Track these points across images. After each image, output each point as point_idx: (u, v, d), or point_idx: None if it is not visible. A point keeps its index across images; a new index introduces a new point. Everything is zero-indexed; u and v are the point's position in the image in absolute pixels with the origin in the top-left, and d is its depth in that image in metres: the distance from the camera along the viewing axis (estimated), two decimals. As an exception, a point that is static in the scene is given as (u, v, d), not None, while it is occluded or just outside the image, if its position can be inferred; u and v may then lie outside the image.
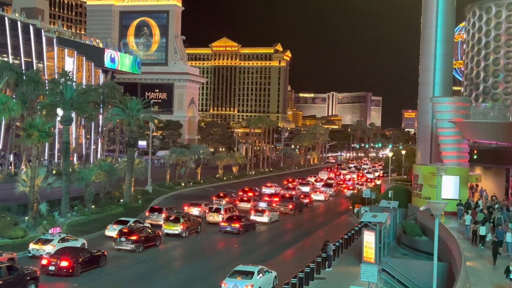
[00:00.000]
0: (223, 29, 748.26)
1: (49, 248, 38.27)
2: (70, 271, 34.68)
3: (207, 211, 58.73)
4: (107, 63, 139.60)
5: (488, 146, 64.99)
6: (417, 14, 70.57)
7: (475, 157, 64.39)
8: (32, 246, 39.53)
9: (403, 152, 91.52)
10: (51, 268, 34.60)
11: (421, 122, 69.32)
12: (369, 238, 38.24)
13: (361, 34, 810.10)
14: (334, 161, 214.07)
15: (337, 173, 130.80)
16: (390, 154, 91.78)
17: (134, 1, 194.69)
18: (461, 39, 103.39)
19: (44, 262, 35.08)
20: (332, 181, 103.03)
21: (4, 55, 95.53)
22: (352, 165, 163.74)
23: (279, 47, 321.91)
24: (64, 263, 34.61)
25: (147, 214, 55.19)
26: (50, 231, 41.63)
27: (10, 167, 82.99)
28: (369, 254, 38.25)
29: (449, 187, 55.82)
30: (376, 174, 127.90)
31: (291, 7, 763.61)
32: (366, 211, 45.73)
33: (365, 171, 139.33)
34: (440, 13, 67.05)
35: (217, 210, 57.39)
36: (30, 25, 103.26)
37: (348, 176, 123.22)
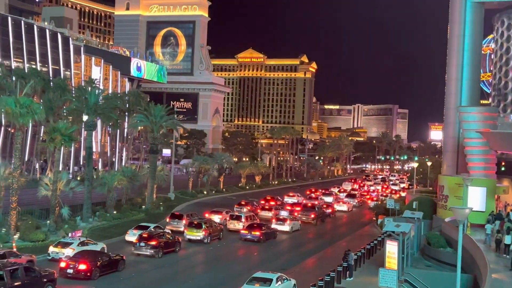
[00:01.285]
0: (249, 40, 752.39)
1: (69, 252, 38.28)
2: (88, 274, 34.56)
3: (227, 218, 58.35)
4: (133, 71, 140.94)
5: (516, 157, 63.54)
6: (445, 25, 69.70)
7: (502, 169, 63.00)
8: (51, 249, 39.60)
9: (429, 163, 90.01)
10: (69, 271, 34.53)
11: (447, 132, 68.08)
12: (391, 248, 37.42)
13: (388, 46, 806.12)
14: (361, 172, 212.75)
15: (361, 185, 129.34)
16: (415, 165, 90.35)
17: (161, 11, 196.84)
18: (489, 51, 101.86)
19: (62, 264, 35.04)
20: (356, 192, 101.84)
21: (32, 62, 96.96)
22: (380, 176, 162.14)
23: (304, 58, 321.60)
24: (82, 266, 34.53)
25: (167, 220, 55.08)
26: (70, 235, 41.71)
27: (36, 173, 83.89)
28: (391, 264, 37.41)
29: (476, 199, 54.50)
30: (402, 185, 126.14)
31: (317, 19, 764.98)
32: (390, 221, 44.89)
33: (391, 182, 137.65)
34: (468, 22, 66.02)
35: (238, 218, 56.97)
36: (58, 33, 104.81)
37: (372, 188, 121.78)
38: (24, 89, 47.38)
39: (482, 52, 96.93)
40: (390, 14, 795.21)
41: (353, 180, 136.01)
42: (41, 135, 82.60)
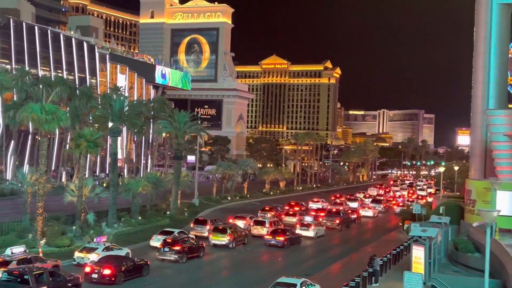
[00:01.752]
0: (273, 46, 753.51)
1: (94, 257, 38.55)
2: (113, 279, 34.72)
3: (251, 224, 58.20)
4: (158, 79, 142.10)
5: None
6: (471, 28, 68.60)
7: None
8: (77, 254, 39.94)
9: (456, 168, 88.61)
10: (94, 276, 34.74)
11: (475, 136, 66.87)
12: (418, 253, 36.87)
13: (412, 50, 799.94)
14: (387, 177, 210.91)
15: (387, 190, 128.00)
16: (442, 169, 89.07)
17: (185, 19, 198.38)
18: (511, 55, 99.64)
19: (87, 269, 35.29)
20: (382, 197, 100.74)
21: (59, 71, 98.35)
22: (407, 182, 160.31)
23: (328, 64, 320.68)
24: (106, 271, 34.70)
25: (192, 225, 55.20)
26: (95, 240, 42.01)
27: (63, 180, 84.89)
28: (418, 269, 36.79)
29: (504, 203, 53.50)
30: (429, 191, 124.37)
31: (341, 24, 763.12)
32: (416, 226, 44.29)
33: (419, 187, 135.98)
34: (494, 24, 64.93)
35: (262, 223, 56.79)
36: (84, 42, 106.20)
37: (398, 193, 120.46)
38: (50, 97, 47.91)
39: (510, 55, 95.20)
40: (415, 18, 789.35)
41: (378, 186, 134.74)
42: (68, 142, 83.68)
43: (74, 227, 49.34)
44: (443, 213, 57.21)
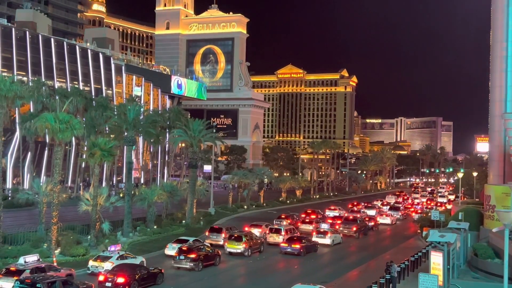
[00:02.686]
0: (288, 56, 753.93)
1: (108, 265, 38.40)
2: (126, 287, 34.46)
3: (267, 231, 57.71)
4: (173, 89, 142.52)
5: None
6: (489, 33, 67.71)
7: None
8: (91, 263, 39.83)
9: (475, 174, 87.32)
10: (108, 284, 34.55)
11: (493, 141, 65.84)
12: (436, 259, 36.15)
13: (430, 57, 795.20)
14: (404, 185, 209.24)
15: (405, 197, 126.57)
16: (460, 175, 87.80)
17: (200, 29, 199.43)
18: None
19: (101, 278, 35.12)
20: (400, 205, 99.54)
21: (75, 82, 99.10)
22: (429, 189, 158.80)
23: (344, 72, 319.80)
24: (120, 280, 34.49)
25: (207, 234, 54.93)
26: (109, 248, 41.87)
27: (80, 191, 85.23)
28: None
29: (525, 208, 52.60)
30: (449, 197, 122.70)
31: (357, 32, 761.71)
32: (434, 232, 43.45)
33: (440, 194, 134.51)
34: (510, 27, 64.08)
35: (278, 231, 56.27)
36: (100, 53, 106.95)
37: (417, 200, 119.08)
38: (64, 106, 48.11)
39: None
40: (432, 25, 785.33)
41: (398, 193, 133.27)
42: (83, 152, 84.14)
43: (89, 237, 49.31)
44: (462, 219, 56.22)
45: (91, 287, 32.27)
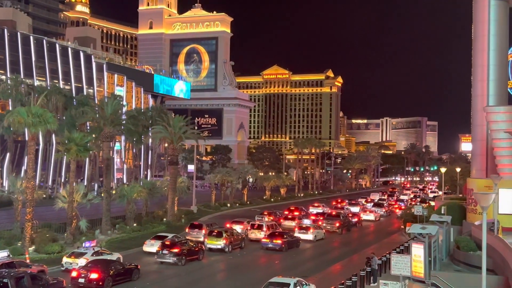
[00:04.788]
0: (274, 57, 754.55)
1: (82, 262, 37.35)
2: (100, 283, 33.52)
3: (249, 228, 56.91)
4: (156, 88, 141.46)
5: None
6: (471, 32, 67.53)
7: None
8: (65, 259, 38.84)
9: (458, 169, 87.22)
10: (81, 280, 33.59)
11: (475, 135, 65.52)
12: (417, 251, 35.58)
13: (415, 57, 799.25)
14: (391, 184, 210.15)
15: (390, 194, 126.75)
16: (443, 170, 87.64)
17: (184, 29, 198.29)
18: (511, 58, 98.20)
19: (74, 274, 34.17)
20: (384, 202, 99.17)
21: (55, 81, 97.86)
22: (420, 186, 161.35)
23: (330, 73, 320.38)
24: (93, 275, 33.52)
25: (187, 230, 54.11)
26: (84, 245, 40.84)
27: (60, 191, 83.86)
28: (417, 268, 35.47)
29: (507, 202, 52.36)
30: (432, 195, 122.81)
31: (342, 33, 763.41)
32: (416, 225, 42.97)
33: (431, 190, 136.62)
34: (492, 22, 63.81)
35: (259, 227, 55.51)
36: (81, 51, 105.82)
37: (405, 197, 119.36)
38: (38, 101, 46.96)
39: (510, 59, 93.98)
40: (416, 25, 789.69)
41: (391, 190, 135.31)
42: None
43: (65, 234, 48.20)
44: (444, 213, 55.92)
45: (62, 282, 31.30)
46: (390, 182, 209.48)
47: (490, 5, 63.95)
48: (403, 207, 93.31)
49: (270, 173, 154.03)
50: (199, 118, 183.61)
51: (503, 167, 54.31)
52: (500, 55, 64.58)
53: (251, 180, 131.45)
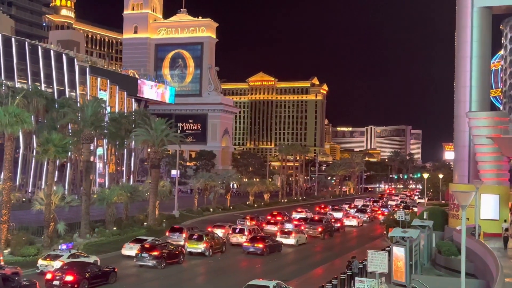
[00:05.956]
0: (260, 64, 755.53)
1: (58, 264, 36.59)
2: (75, 286, 32.82)
3: (230, 232, 56.32)
4: (140, 92, 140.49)
5: (531, 166, 61.19)
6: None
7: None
8: (40, 262, 38.04)
9: (441, 176, 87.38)
10: (56, 282, 32.86)
11: (458, 141, 65.71)
12: (398, 255, 35.46)
13: (400, 66, 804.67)
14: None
15: (375, 200, 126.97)
16: (426, 176, 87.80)
17: (169, 34, 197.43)
18: (495, 67, 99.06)
19: (48, 276, 33.43)
20: (367, 208, 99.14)
21: (37, 83, 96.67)
22: (406, 193, 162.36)
23: (315, 80, 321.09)
24: (69, 278, 32.79)
25: (167, 234, 53.42)
26: (60, 247, 40.00)
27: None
28: (398, 272, 35.34)
29: (489, 207, 52.47)
30: (419, 202, 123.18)
31: (327, 41, 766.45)
32: (397, 229, 42.75)
33: (418, 196, 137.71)
34: (475, 28, 64.08)
35: (241, 231, 54.95)
36: (63, 54, 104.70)
37: (390, 203, 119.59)
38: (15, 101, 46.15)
39: (493, 68, 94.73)
40: (402, 35, 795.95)
41: (380, 196, 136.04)
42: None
43: (42, 237, 47.29)
44: (426, 218, 55.82)
45: (36, 284, 30.50)
46: (370, 189, 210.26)
47: (473, 12, 64.36)
48: (386, 213, 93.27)
49: (254, 179, 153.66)
50: (184, 124, 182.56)
51: (485, 173, 54.41)
52: (483, 62, 64.87)
53: (235, 186, 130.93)
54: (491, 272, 33.01)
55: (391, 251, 39.71)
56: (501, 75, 78.63)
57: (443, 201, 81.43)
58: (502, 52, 75.05)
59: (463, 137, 63.40)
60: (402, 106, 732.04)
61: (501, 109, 79.96)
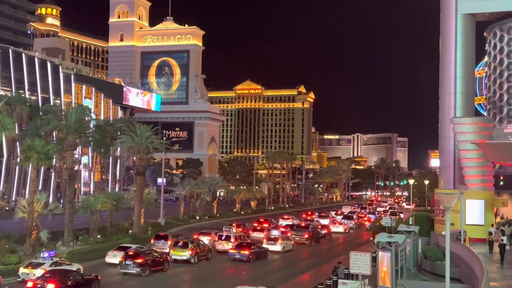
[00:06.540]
0: (246, 72, 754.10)
1: (40, 272, 35.89)
2: (57, 294, 32.16)
3: (216, 239, 55.88)
4: (126, 100, 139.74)
5: (514, 171, 61.65)
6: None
7: (501, 183, 60.95)
8: (22, 270, 37.32)
9: (426, 182, 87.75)
10: (37, 291, 32.16)
11: (443, 147, 66.00)
12: (384, 260, 35.33)
13: (385, 74, 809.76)
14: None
15: (363, 207, 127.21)
16: (412, 181, 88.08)
17: (155, 41, 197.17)
18: (479, 75, 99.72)
19: (29, 285, 32.82)
20: (353, 214, 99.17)
21: (21, 91, 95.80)
22: (389, 201, 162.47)
23: (302, 88, 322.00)
24: (50, 286, 32.22)
25: (152, 241, 52.82)
26: (42, 255, 39.34)
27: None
28: (384, 277, 35.20)
29: (474, 212, 52.63)
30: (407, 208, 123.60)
31: (314, 49, 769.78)
32: (383, 234, 42.66)
33: (406, 203, 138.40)
34: (459, 35, 64.65)
35: (227, 238, 54.52)
36: (48, 62, 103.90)
37: (379, 209, 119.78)
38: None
39: (478, 75, 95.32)
40: (388, 43, 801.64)
41: (369, 202, 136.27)
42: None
43: (25, 245, 46.55)
44: (412, 223, 55.83)
45: (14, 292, 29.87)
46: (354, 196, 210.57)
47: (457, 18, 64.87)
48: (372, 220, 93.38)
49: (241, 187, 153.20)
50: (170, 131, 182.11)
51: (470, 178, 54.59)
52: (467, 68, 65.33)
53: (221, 193, 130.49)
54: (476, 276, 32.97)
55: (377, 256, 39.62)
56: (485, 82, 79.05)
57: (429, 207, 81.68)
58: (486, 58, 75.38)
59: (448, 143, 63.71)
60: (388, 114, 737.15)
61: (485, 115, 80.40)
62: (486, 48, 72.93)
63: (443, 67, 66.11)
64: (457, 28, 64.83)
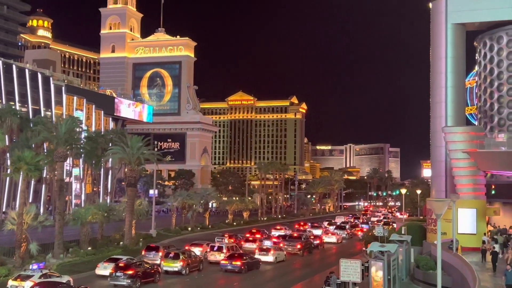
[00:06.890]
0: (239, 83, 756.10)
1: (28, 284, 35.52)
2: (46, 306, 31.75)
3: (208, 250, 55.50)
4: (117, 111, 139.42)
5: (506, 180, 61.84)
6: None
7: (493, 192, 61.10)
8: (10, 282, 36.92)
9: (418, 191, 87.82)
10: (26, 303, 31.73)
11: (435, 157, 66.15)
12: (376, 269, 35.16)
13: (378, 85, 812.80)
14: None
15: (356, 217, 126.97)
16: (404, 191, 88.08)
17: (147, 53, 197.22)
18: (470, 85, 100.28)
19: (18, 297, 32.28)
20: (346, 225, 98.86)
21: (11, 103, 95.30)
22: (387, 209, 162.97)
23: (294, 99, 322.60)
24: (39, 298, 31.74)
25: (143, 253, 52.39)
26: (31, 267, 38.88)
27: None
28: (376, 286, 35.01)
29: (466, 221, 52.58)
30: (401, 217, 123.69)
31: (306, 60, 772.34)
32: (375, 243, 42.51)
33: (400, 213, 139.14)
34: (449, 44, 65.19)
35: (219, 249, 54.19)
36: (38, 73, 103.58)
37: (373, 219, 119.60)
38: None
39: (469, 85, 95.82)
40: (378, 53, 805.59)
41: (363, 212, 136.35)
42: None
43: (14, 258, 46.03)
44: (404, 233, 55.76)
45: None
46: (345, 207, 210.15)
47: (447, 28, 65.34)
48: (365, 230, 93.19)
49: (234, 198, 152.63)
50: (162, 142, 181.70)
51: (461, 187, 54.64)
52: (457, 77, 65.68)
53: (214, 204, 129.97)
54: (468, 285, 32.85)
55: (369, 266, 39.44)
56: (476, 91, 79.40)
57: (422, 217, 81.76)
58: (476, 68, 75.80)
59: (440, 152, 63.86)
60: (380, 125, 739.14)
61: (476, 124, 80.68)
62: (476, 58, 73.30)
63: (434, 77, 66.46)
64: (447, 38, 65.31)
